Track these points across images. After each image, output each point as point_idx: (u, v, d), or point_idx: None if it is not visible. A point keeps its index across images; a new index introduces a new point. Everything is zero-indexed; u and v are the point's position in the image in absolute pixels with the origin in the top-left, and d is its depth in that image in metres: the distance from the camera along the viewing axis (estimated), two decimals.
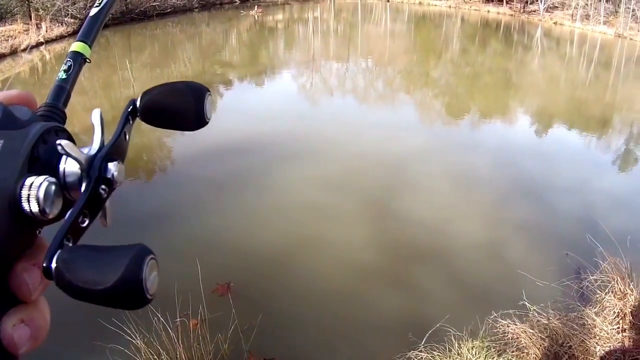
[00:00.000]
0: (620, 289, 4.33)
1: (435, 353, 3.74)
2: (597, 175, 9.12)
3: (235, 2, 29.63)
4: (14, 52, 16.00)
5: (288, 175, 7.61)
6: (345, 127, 10.43)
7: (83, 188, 0.44)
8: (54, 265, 0.38)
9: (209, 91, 0.55)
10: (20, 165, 0.40)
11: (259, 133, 9.24)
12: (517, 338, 3.92)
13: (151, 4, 22.91)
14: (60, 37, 17.69)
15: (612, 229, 5.17)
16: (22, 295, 0.41)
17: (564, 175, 8.65)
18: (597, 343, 3.84)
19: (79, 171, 0.45)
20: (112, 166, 0.46)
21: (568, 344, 3.77)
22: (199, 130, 0.55)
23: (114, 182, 0.47)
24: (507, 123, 12.73)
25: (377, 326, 4.58)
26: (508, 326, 4.00)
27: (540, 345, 3.79)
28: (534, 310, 4.12)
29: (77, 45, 0.58)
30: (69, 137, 0.48)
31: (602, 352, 3.72)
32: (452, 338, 3.83)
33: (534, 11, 30.21)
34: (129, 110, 0.53)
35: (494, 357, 3.70)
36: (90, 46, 0.59)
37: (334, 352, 4.30)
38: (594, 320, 4.04)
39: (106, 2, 0.60)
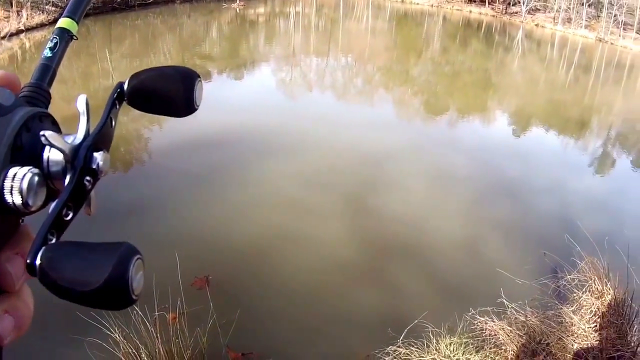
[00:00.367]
0: (597, 288, 4.41)
1: (413, 348, 3.76)
2: (575, 176, 9.27)
3: None
4: None
5: (267, 169, 7.56)
6: (323, 123, 10.40)
7: (67, 179, 0.43)
8: (38, 262, 0.37)
9: (199, 77, 0.53)
10: (2, 156, 0.39)
11: (237, 126, 9.16)
12: (495, 335, 3.96)
13: None
14: (41, 25, 17.33)
15: (590, 229, 5.26)
16: (5, 286, 0.40)
17: (543, 175, 8.77)
18: (574, 341, 3.90)
19: (64, 161, 0.43)
20: (98, 156, 0.45)
21: (546, 342, 3.82)
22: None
23: (99, 172, 0.45)
24: (486, 122, 12.84)
25: (356, 321, 4.58)
26: (486, 323, 4.04)
27: (518, 342, 3.84)
28: (512, 308, 4.17)
29: (63, 22, 0.55)
30: (54, 123, 0.47)
31: (580, 349, 3.78)
32: (430, 334, 3.86)
33: (516, 13, 30.54)
34: (116, 94, 0.51)
35: (472, 353, 3.74)
36: (77, 22, 0.56)
37: (313, 346, 4.29)
38: (571, 319, 4.10)
39: None
